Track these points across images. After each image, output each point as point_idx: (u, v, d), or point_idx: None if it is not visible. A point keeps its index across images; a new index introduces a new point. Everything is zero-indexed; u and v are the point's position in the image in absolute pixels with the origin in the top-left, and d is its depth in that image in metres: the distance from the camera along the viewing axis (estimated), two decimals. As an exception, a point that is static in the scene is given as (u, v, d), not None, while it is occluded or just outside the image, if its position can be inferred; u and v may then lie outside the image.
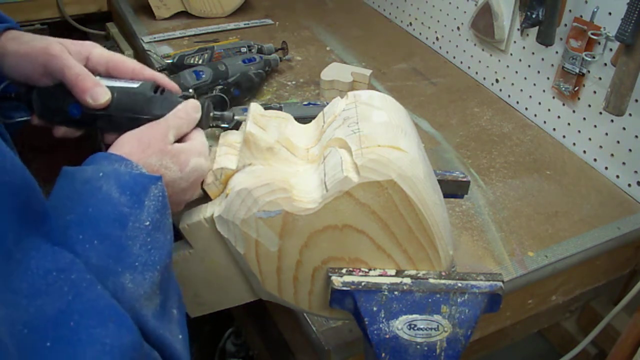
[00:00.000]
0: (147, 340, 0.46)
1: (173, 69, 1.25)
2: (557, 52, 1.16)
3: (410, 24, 1.59)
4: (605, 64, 1.06)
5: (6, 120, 0.65)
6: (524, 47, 1.25)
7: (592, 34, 1.05)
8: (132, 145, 0.56)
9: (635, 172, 1.06)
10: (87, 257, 0.45)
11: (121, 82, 0.62)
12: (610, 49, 1.04)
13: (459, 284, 0.59)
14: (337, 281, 0.58)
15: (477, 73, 1.39)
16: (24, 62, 0.60)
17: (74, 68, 0.59)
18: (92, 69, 0.62)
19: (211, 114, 0.67)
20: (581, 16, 1.08)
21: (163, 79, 0.65)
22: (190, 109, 0.62)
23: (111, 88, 0.60)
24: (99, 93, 0.59)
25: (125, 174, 0.52)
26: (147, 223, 0.50)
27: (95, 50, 0.63)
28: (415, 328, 0.58)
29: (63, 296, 0.42)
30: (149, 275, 0.49)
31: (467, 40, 1.40)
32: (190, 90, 0.65)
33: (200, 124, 0.64)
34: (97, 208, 0.48)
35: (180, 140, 0.61)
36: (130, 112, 0.60)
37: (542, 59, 1.20)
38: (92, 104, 0.59)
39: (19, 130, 0.67)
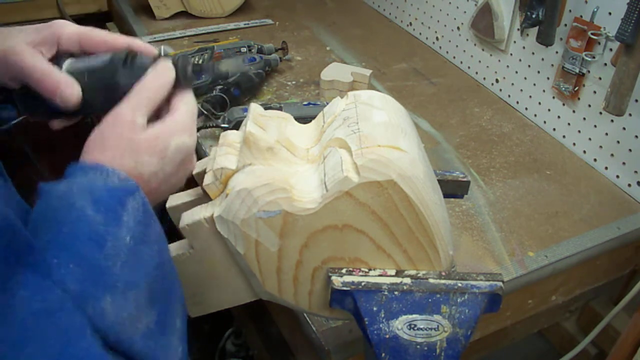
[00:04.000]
0: None
1: (173, 69, 1.25)
2: (557, 52, 1.16)
3: (410, 24, 1.59)
4: (605, 64, 1.06)
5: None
6: (524, 47, 1.25)
7: (592, 34, 1.05)
8: (100, 148, 0.52)
9: (635, 172, 1.06)
10: (64, 283, 0.42)
11: (93, 60, 0.58)
12: (610, 49, 1.04)
13: (459, 284, 0.59)
14: (337, 281, 0.58)
15: (477, 73, 1.39)
16: None
17: (35, 70, 0.55)
18: (65, 51, 0.58)
19: (189, 68, 0.59)
20: (581, 16, 1.08)
21: (137, 44, 0.59)
22: (160, 73, 0.56)
23: (81, 72, 0.57)
24: (66, 93, 0.55)
25: (100, 189, 0.48)
26: (128, 239, 0.46)
27: (65, 31, 0.58)
28: (415, 328, 0.59)
29: (53, 345, 0.39)
30: (132, 294, 0.45)
31: (467, 40, 1.40)
32: (162, 47, 0.59)
33: (179, 84, 0.58)
34: (71, 227, 0.45)
35: (159, 112, 0.56)
36: (104, 91, 0.57)
37: (542, 59, 1.20)
38: (64, 104, 0.55)
39: (18, 129, 0.67)
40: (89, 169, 0.49)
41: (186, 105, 0.57)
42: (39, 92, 0.56)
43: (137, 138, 0.52)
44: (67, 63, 0.58)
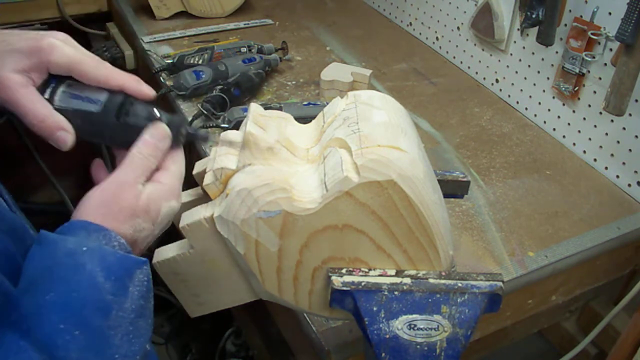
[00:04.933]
0: None
1: (173, 69, 1.26)
2: (557, 52, 1.16)
3: (410, 24, 1.59)
4: (605, 64, 1.06)
5: None
6: (524, 47, 1.25)
7: (592, 34, 1.05)
8: (103, 210, 0.52)
9: (635, 172, 1.06)
10: (66, 351, 0.42)
11: (86, 99, 0.58)
12: (610, 49, 1.04)
13: (459, 284, 0.59)
14: (337, 281, 0.58)
15: (477, 73, 1.39)
16: None
17: (29, 111, 0.54)
18: (55, 74, 0.57)
19: (183, 132, 0.60)
20: (581, 16, 1.08)
21: (132, 85, 0.59)
22: (157, 140, 0.57)
23: (74, 113, 0.57)
24: (61, 139, 0.55)
25: (110, 255, 0.48)
26: (131, 311, 0.47)
27: (54, 57, 0.56)
28: (415, 328, 0.58)
29: None
30: None
31: (467, 40, 1.40)
32: (155, 109, 0.59)
33: (174, 144, 0.60)
34: (80, 293, 0.45)
35: (151, 174, 0.57)
36: (97, 138, 0.59)
37: (542, 59, 1.20)
38: (57, 146, 0.55)
39: (5, 128, 0.65)
40: (93, 230, 0.49)
41: (176, 165, 0.59)
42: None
43: (137, 204, 0.54)
44: (59, 96, 0.57)
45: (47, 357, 0.42)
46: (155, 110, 0.59)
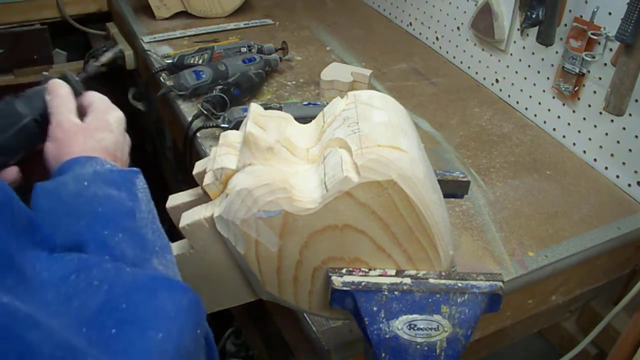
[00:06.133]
0: None
1: (173, 69, 1.25)
2: (557, 52, 1.16)
3: (410, 24, 1.59)
4: (605, 64, 1.06)
5: None
6: (524, 47, 1.25)
7: (592, 34, 1.05)
8: (67, 146, 0.57)
9: (635, 172, 1.06)
10: (121, 250, 0.46)
11: None
12: (610, 49, 1.04)
13: (459, 284, 0.59)
14: (337, 281, 0.58)
15: (477, 73, 1.39)
16: None
17: None
18: None
19: (76, 78, 0.66)
20: (581, 16, 1.08)
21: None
22: (57, 88, 0.62)
23: None
24: None
25: (111, 173, 0.54)
26: (148, 212, 0.52)
27: None
28: (415, 328, 0.59)
29: (98, 290, 0.41)
30: (169, 257, 0.51)
31: (467, 40, 1.40)
32: (44, 73, 0.67)
33: (77, 93, 0.65)
34: (105, 207, 0.50)
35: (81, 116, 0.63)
36: (12, 128, 0.61)
37: (542, 59, 1.20)
38: None
39: None
40: (85, 160, 0.55)
41: (93, 96, 0.65)
42: None
43: (85, 126, 0.60)
44: None
45: (109, 256, 0.45)
46: (41, 75, 0.66)
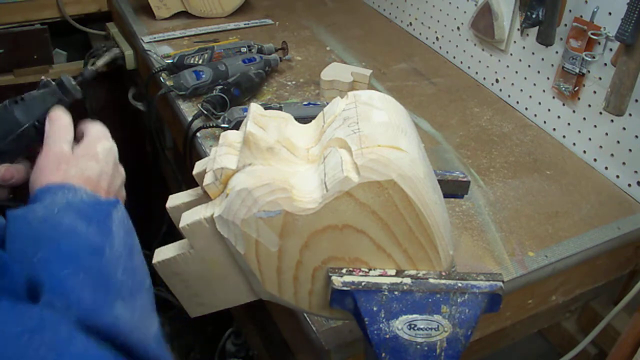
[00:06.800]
0: None
1: (173, 69, 1.25)
2: (557, 52, 1.16)
3: (410, 24, 1.59)
4: (605, 64, 1.06)
5: None
6: (524, 47, 1.25)
7: (592, 34, 1.05)
8: (47, 173, 0.57)
9: (635, 172, 1.06)
10: (78, 294, 0.43)
11: None
12: (610, 49, 1.04)
13: (459, 284, 0.59)
14: (337, 281, 0.58)
15: (477, 73, 1.39)
16: None
17: None
18: None
19: (73, 83, 0.68)
20: (581, 16, 1.08)
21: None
22: (58, 120, 0.62)
23: None
24: None
25: (82, 203, 0.51)
26: (123, 247, 0.49)
27: None
28: (416, 328, 0.58)
29: (45, 358, 0.38)
30: (139, 298, 0.47)
31: (467, 40, 1.40)
32: (43, 78, 0.68)
33: (73, 97, 0.67)
34: (68, 243, 0.47)
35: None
36: (10, 133, 0.63)
37: (542, 59, 1.20)
38: None
39: None
40: (57, 190, 0.53)
41: (90, 125, 0.65)
42: None
43: (71, 155, 0.60)
44: None
45: (64, 303, 0.42)
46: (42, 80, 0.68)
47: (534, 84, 1.24)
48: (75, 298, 0.43)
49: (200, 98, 1.17)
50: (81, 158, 0.59)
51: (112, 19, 1.68)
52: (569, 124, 1.17)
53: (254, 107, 0.66)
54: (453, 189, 0.75)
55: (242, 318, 1.35)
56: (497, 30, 1.28)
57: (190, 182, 0.67)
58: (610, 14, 1.03)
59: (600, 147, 1.11)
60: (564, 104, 1.18)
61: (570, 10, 1.10)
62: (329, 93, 1.21)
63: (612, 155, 1.09)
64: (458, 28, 1.42)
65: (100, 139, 0.63)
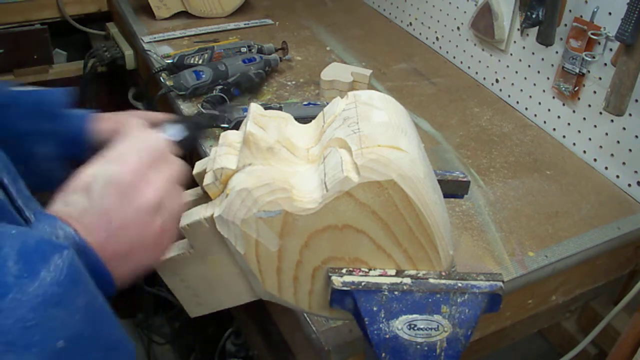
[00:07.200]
0: None
1: (173, 69, 1.25)
2: (557, 52, 1.16)
3: (410, 24, 1.59)
4: (605, 64, 1.06)
5: None
6: (524, 47, 1.25)
7: (592, 34, 1.05)
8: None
9: (635, 172, 1.06)
10: None
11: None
12: (610, 49, 1.04)
13: (459, 284, 0.59)
14: (337, 281, 0.58)
15: (477, 73, 1.39)
16: None
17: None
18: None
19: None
20: (581, 16, 1.08)
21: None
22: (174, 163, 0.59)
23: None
24: None
25: (31, 238, 0.46)
26: (36, 296, 0.43)
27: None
28: (416, 328, 0.58)
29: None
30: (33, 357, 0.41)
31: (467, 40, 1.40)
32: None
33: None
34: None
35: None
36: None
37: (542, 59, 1.20)
38: None
39: None
40: (43, 218, 0.49)
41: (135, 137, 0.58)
42: None
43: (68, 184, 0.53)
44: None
45: None
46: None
47: (534, 84, 1.24)
48: None
49: (200, 98, 1.17)
50: (72, 189, 0.52)
51: (112, 19, 1.68)
52: (569, 124, 1.17)
53: (254, 107, 0.66)
54: (453, 189, 0.74)
55: (242, 318, 1.35)
56: (497, 30, 1.28)
57: (190, 182, 0.66)
58: (610, 14, 1.03)
59: (600, 147, 1.11)
60: (564, 104, 1.18)
61: (570, 10, 1.10)
62: (329, 93, 1.21)
63: (612, 155, 1.09)
64: (458, 28, 1.42)
65: (109, 162, 0.54)
